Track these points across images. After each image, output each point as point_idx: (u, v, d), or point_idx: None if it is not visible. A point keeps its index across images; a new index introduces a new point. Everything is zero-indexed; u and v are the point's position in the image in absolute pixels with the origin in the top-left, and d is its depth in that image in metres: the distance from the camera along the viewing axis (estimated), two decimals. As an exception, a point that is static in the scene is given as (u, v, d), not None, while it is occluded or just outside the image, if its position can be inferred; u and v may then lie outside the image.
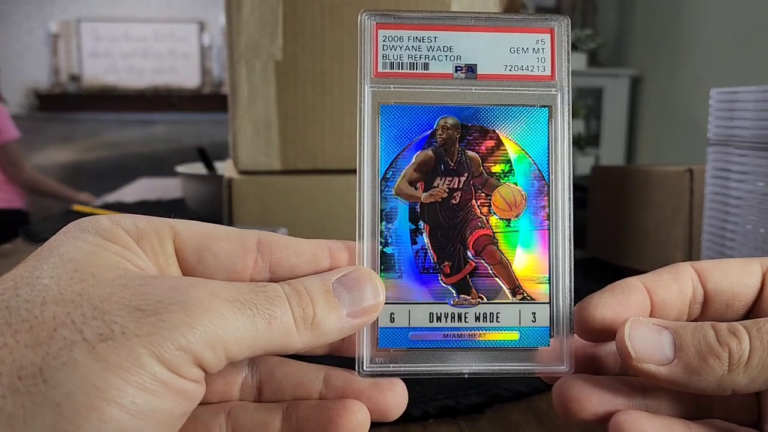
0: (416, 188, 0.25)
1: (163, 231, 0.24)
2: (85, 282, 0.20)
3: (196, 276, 0.23)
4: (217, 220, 0.77)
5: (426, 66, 0.25)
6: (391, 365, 0.24)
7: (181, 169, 0.98)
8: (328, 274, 0.24)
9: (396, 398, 0.24)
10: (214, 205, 0.83)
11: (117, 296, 0.20)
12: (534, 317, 0.24)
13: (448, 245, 0.25)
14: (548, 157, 0.25)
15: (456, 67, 0.25)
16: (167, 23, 3.67)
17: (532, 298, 0.25)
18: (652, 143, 2.84)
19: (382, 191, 0.24)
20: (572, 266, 0.25)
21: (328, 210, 0.67)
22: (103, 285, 0.20)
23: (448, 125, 0.25)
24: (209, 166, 1.02)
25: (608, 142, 2.90)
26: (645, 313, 0.24)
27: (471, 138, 0.25)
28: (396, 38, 0.25)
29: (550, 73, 0.25)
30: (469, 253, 0.25)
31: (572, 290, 0.25)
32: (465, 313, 0.24)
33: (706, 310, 0.25)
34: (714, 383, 0.21)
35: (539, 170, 0.25)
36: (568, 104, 0.25)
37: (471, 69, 0.25)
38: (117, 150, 3.37)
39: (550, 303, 0.25)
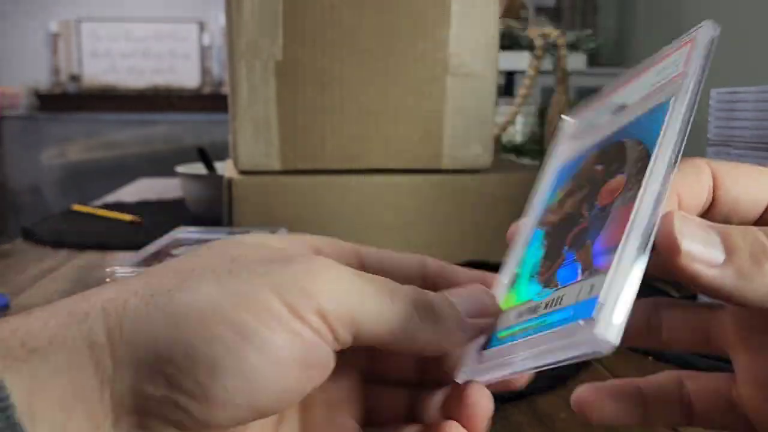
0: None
1: (349, 254, 0.26)
2: (229, 246, 0.22)
3: None
4: (217, 220, 0.77)
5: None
6: (481, 367, 0.24)
7: (181, 169, 0.98)
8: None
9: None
10: (214, 205, 0.83)
11: (256, 254, 0.21)
12: (591, 289, 0.20)
13: (554, 247, 0.24)
14: (659, 137, 0.22)
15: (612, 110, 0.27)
16: (167, 23, 3.67)
17: (597, 271, 0.21)
18: (652, 143, 2.83)
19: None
20: (653, 232, 0.20)
21: (328, 210, 0.67)
22: (246, 247, 0.22)
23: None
24: (209, 166, 1.02)
25: (608, 142, 2.90)
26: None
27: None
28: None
29: (681, 70, 0.23)
30: (564, 247, 0.24)
31: (640, 259, 0.20)
32: (538, 305, 0.23)
33: (707, 217, 0.22)
34: (763, 290, 0.19)
35: (646, 150, 0.22)
36: (694, 92, 0.22)
37: (620, 107, 0.26)
38: (117, 150, 3.37)
39: (608, 272, 0.20)
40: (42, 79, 3.63)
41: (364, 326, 0.20)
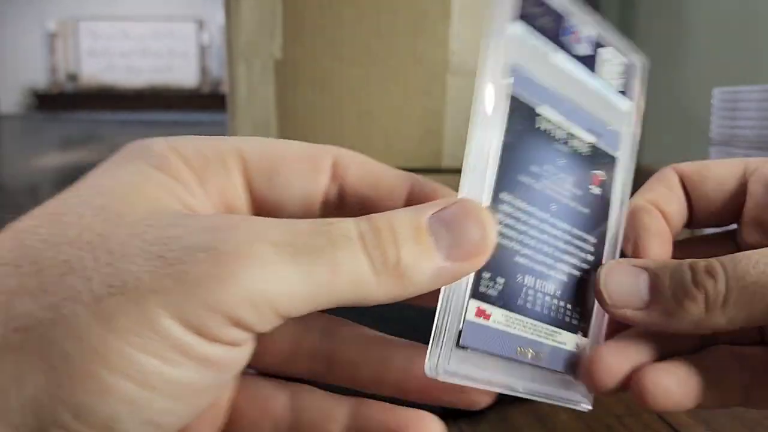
0: None
1: (230, 158, 0.20)
2: (108, 221, 0.17)
3: (269, 205, 0.20)
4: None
5: None
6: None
7: (179, 168, 0.98)
8: (422, 207, 0.19)
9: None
10: (213, 205, 0.82)
11: (139, 239, 0.16)
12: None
13: None
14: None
15: None
16: (166, 22, 3.67)
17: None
18: (654, 143, 2.83)
19: None
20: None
21: (327, 210, 0.67)
22: (128, 225, 0.17)
23: None
24: (208, 165, 1.02)
25: (607, 141, 2.90)
26: (664, 230, 0.24)
27: None
28: None
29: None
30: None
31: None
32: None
33: (692, 217, 0.25)
34: (691, 325, 0.21)
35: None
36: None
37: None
38: (115, 150, 3.36)
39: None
40: (40, 78, 3.63)
41: (299, 308, 0.17)
